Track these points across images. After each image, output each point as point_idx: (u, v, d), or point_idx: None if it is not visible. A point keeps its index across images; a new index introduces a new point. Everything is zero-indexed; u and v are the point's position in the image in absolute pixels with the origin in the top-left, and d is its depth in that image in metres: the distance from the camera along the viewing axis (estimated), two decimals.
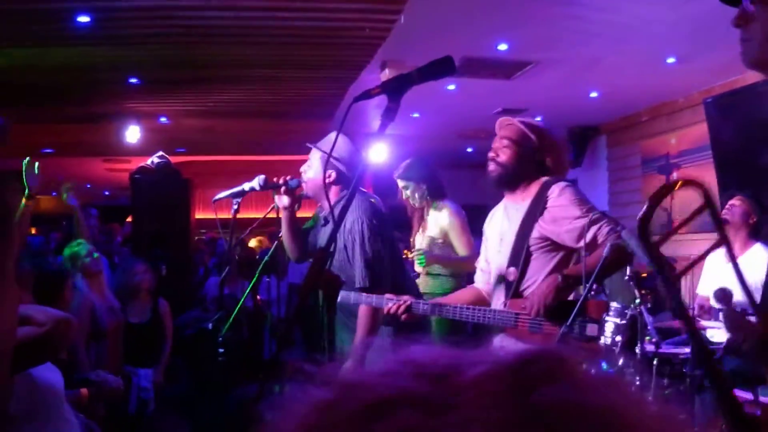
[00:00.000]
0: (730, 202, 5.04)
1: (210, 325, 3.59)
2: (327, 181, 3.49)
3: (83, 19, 5.50)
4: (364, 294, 3.30)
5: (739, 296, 4.28)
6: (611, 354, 2.92)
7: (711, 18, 4.78)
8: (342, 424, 0.51)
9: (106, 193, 16.98)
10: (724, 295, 3.98)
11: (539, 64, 7.00)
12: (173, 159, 7.94)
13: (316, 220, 3.90)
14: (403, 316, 3.13)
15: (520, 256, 3.06)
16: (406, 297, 3.17)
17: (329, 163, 3.52)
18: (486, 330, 3.21)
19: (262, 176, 3.65)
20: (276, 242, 3.93)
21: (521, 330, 2.97)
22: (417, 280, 4.96)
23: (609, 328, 2.76)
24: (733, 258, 1.16)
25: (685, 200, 8.50)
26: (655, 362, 3.22)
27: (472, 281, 3.63)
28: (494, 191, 3.34)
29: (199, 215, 9.17)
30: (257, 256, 8.71)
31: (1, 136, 7.79)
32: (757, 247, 4.92)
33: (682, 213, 7.97)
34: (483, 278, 3.41)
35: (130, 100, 8.39)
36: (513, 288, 3.06)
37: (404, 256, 5.40)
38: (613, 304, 2.79)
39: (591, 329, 2.74)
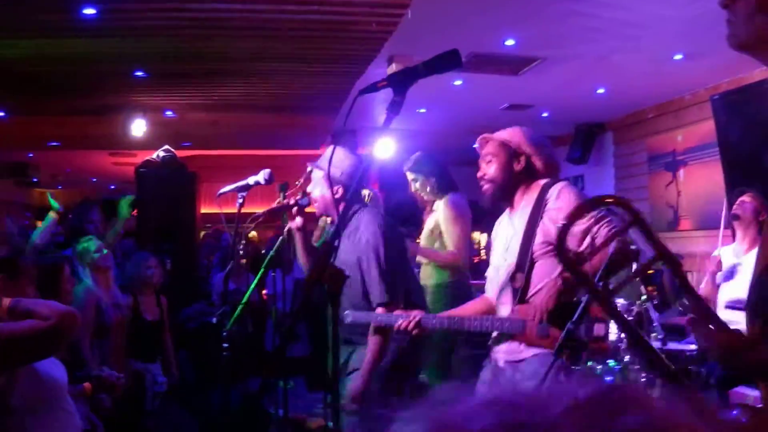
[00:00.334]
0: (741, 198, 5.01)
1: (214, 319, 3.58)
2: (336, 197, 3.49)
3: (89, 11, 5.49)
4: (374, 313, 3.32)
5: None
6: (617, 351, 2.92)
7: (718, 14, 4.73)
8: None
9: (112, 186, 17.01)
10: (686, 306, 3.99)
11: (546, 60, 6.98)
12: (179, 153, 7.93)
13: (326, 236, 3.91)
14: (414, 332, 3.13)
15: (525, 262, 3.05)
16: (415, 312, 3.17)
17: (334, 180, 3.52)
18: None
19: (268, 170, 3.65)
20: (281, 237, 3.92)
21: (530, 335, 2.97)
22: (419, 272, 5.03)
23: (615, 325, 2.75)
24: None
25: (692, 197, 8.45)
26: None
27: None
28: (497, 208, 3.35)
29: (204, 209, 9.17)
30: (263, 251, 8.72)
31: None
32: None
33: (689, 210, 7.91)
34: (492, 287, 3.39)
35: (136, 94, 8.38)
36: (519, 294, 3.05)
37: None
38: (620, 301, 2.78)
39: (598, 329, 2.73)
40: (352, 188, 3.44)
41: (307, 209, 3.74)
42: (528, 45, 6.59)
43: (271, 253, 3.93)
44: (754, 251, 4.84)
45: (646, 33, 6.08)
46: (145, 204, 7.22)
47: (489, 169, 3.23)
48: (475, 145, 3.42)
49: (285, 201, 3.69)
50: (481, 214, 5.36)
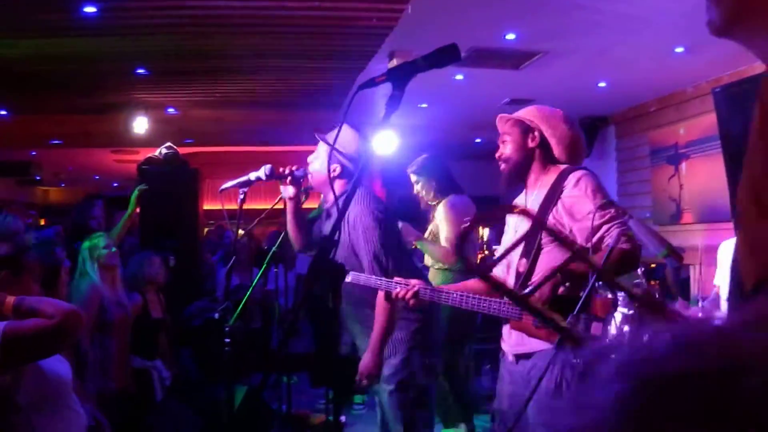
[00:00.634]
0: None
1: (216, 315, 3.59)
2: (332, 174, 3.48)
3: (90, 9, 5.50)
4: (374, 276, 3.27)
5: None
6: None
7: None
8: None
9: (115, 184, 17.04)
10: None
11: (547, 54, 6.97)
12: (181, 150, 7.93)
13: (320, 211, 3.90)
14: (411, 301, 3.10)
15: (533, 247, 2.99)
16: (414, 281, 3.10)
17: (333, 157, 3.50)
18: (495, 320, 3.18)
19: (269, 166, 3.66)
20: (284, 232, 3.94)
21: (526, 324, 2.92)
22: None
23: (617, 318, 2.73)
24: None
25: (695, 190, 8.44)
26: None
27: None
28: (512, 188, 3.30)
29: (207, 206, 9.18)
30: (265, 246, 8.74)
31: None
32: None
33: (691, 203, 7.90)
34: (501, 268, 3.33)
35: (138, 91, 8.39)
36: (522, 280, 2.98)
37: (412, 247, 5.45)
38: (621, 294, 2.74)
39: (595, 328, 2.65)
40: (354, 179, 3.34)
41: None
42: (529, 39, 6.58)
43: (273, 248, 3.95)
44: None
45: (647, 26, 6.06)
46: (148, 201, 7.22)
47: (505, 149, 3.17)
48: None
49: (281, 170, 3.68)
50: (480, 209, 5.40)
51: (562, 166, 3.09)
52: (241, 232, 4.54)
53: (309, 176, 3.68)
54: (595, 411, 0.55)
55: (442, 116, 10.04)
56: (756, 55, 1.44)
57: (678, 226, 8.70)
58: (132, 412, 4.82)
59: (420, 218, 5.88)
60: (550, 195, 3.02)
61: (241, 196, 3.61)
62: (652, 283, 4.43)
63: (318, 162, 3.66)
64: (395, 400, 3.55)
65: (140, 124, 8.80)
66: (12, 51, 6.58)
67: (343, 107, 8.81)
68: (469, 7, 5.69)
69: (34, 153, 13.13)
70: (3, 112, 9.30)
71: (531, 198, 3.14)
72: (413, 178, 5.59)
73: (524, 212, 1.72)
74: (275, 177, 3.68)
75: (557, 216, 2.97)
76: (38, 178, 14.47)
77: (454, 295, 3.06)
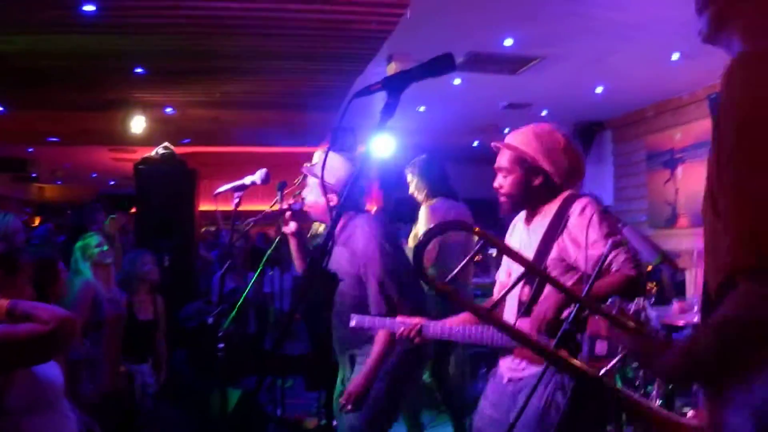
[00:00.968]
0: None
1: (210, 320, 3.57)
2: (330, 204, 3.42)
3: (89, 7, 5.50)
4: (378, 318, 3.25)
5: None
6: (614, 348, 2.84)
7: None
8: None
9: (112, 182, 17.03)
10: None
11: (545, 59, 6.99)
12: (178, 150, 7.92)
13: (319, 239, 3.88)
14: (416, 340, 3.06)
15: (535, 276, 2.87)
16: (416, 320, 3.08)
17: (328, 187, 3.43)
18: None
19: (264, 170, 3.64)
20: (280, 235, 3.92)
21: (529, 351, 2.75)
22: None
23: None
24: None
25: (690, 195, 8.47)
26: None
27: None
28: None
29: (203, 207, 9.16)
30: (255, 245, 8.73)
31: None
32: None
33: (687, 208, 7.93)
34: (498, 288, 3.27)
35: (136, 90, 8.38)
36: (525, 308, 2.90)
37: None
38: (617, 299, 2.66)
39: (600, 348, 2.53)
40: (344, 194, 3.34)
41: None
42: (527, 44, 6.60)
43: (269, 251, 3.94)
44: None
45: (644, 33, 6.08)
46: (144, 201, 7.20)
47: (505, 183, 3.03)
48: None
49: (279, 206, 3.66)
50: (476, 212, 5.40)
51: (565, 193, 2.99)
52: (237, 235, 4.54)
53: (308, 210, 3.66)
54: None
55: (439, 120, 10.04)
56: None
57: (674, 229, 8.73)
58: (118, 415, 4.81)
59: (416, 220, 5.87)
60: (554, 223, 2.93)
61: (236, 200, 3.60)
62: (649, 285, 4.43)
63: (311, 195, 3.64)
64: (352, 420, 3.51)
65: (138, 123, 8.79)
66: (10, 47, 6.58)
67: (340, 110, 8.81)
68: (467, 12, 5.70)
69: (30, 150, 13.11)
70: (0, 108, 9.29)
71: (533, 225, 3.05)
72: (409, 177, 5.57)
73: (481, 234, 1.71)
74: (275, 214, 3.67)
75: (561, 246, 2.89)
76: (34, 175, 14.45)
77: (458, 329, 3.02)
